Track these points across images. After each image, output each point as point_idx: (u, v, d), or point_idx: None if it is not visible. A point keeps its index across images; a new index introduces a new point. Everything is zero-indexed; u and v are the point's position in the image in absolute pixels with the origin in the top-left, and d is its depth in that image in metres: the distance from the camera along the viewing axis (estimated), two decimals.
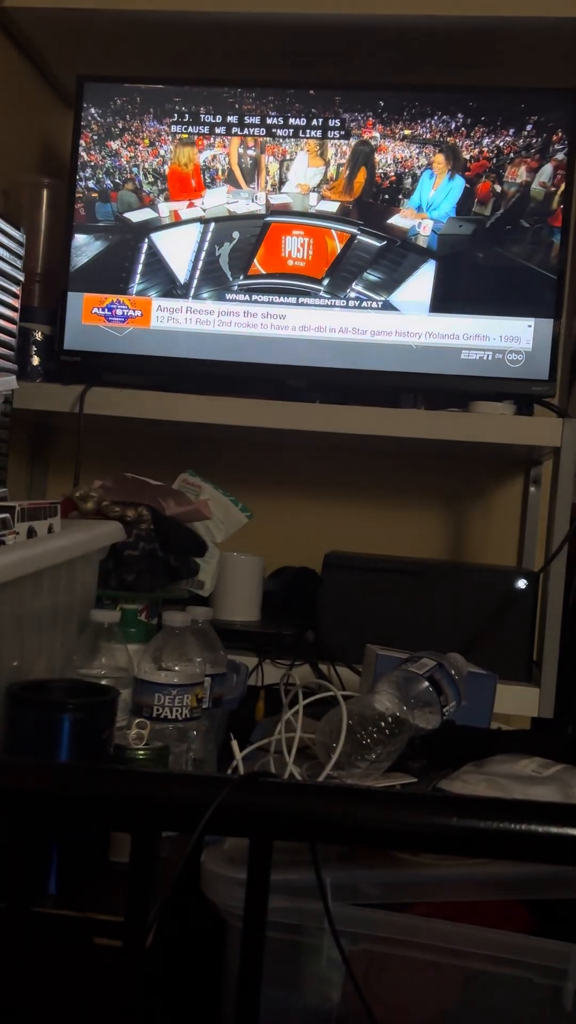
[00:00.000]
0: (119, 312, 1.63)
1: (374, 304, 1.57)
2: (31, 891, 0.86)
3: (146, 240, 1.63)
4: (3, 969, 0.83)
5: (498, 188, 1.55)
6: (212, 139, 1.62)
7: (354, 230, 1.59)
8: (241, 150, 1.61)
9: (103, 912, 0.84)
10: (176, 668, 1.10)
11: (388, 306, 1.57)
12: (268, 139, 1.60)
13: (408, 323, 1.56)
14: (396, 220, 1.58)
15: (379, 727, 0.96)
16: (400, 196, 1.57)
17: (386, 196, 1.58)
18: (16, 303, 1.34)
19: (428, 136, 1.57)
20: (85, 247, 1.64)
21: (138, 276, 1.63)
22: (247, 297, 1.60)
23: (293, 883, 0.76)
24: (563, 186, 1.53)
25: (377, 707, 0.98)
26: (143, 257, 1.63)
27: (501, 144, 1.55)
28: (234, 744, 0.97)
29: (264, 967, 0.64)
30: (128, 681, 1.09)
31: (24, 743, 0.90)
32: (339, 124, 1.59)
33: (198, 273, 1.62)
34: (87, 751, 0.90)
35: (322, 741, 0.96)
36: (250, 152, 1.61)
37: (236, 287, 1.61)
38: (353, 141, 1.58)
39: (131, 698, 1.09)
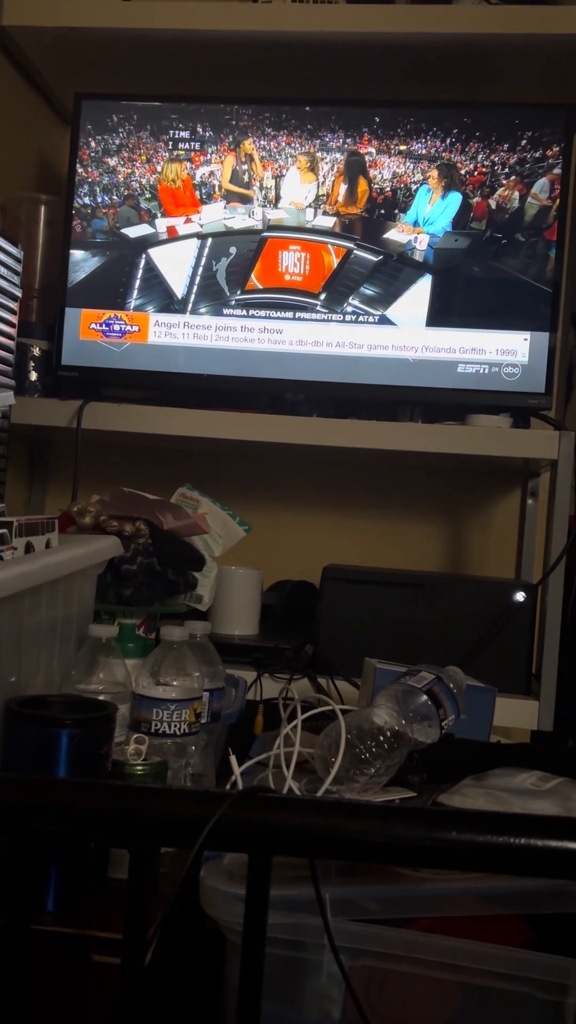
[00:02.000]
0: (117, 327, 1.64)
1: (371, 318, 1.58)
2: (30, 908, 0.86)
3: (143, 256, 1.64)
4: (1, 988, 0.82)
5: (493, 203, 1.56)
6: (209, 155, 1.63)
7: (350, 245, 1.59)
8: (237, 166, 1.62)
9: (102, 929, 0.83)
10: (174, 683, 1.10)
11: (385, 320, 1.58)
12: (265, 155, 1.61)
13: (405, 337, 1.57)
14: (392, 235, 1.58)
15: (378, 741, 0.96)
16: (396, 211, 1.58)
17: (382, 211, 1.59)
18: (14, 319, 1.34)
19: (424, 152, 1.58)
20: (83, 263, 1.65)
21: (136, 291, 1.64)
22: (244, 312, 1.61)
23: (293, 899, 0.76)
24: (558, 200, 1.54)
25: (376, 721, 0.98)
26: (141, 273, 1.64)
27: (496, 159, 1.56)
28: (232, 759, 0.96)
29: (264, 983, 0.63)
30: (126, 696, 1.09)
31: (22, 759, 0.89)
32: (335, 140, 1.60)
33: (195, 288, 1.62)
34: (85, 767, 0.89)
35: (321, 755, 0.96)
36: (247, 168, 1.62)
37: (233, 302, 1.61)
38: (345, 154, 1.59)
39: (129, 713, 1.09)
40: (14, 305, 1.34)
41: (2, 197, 1.72)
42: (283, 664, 1.48)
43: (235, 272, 1.62)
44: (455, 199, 1.57)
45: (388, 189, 1.59)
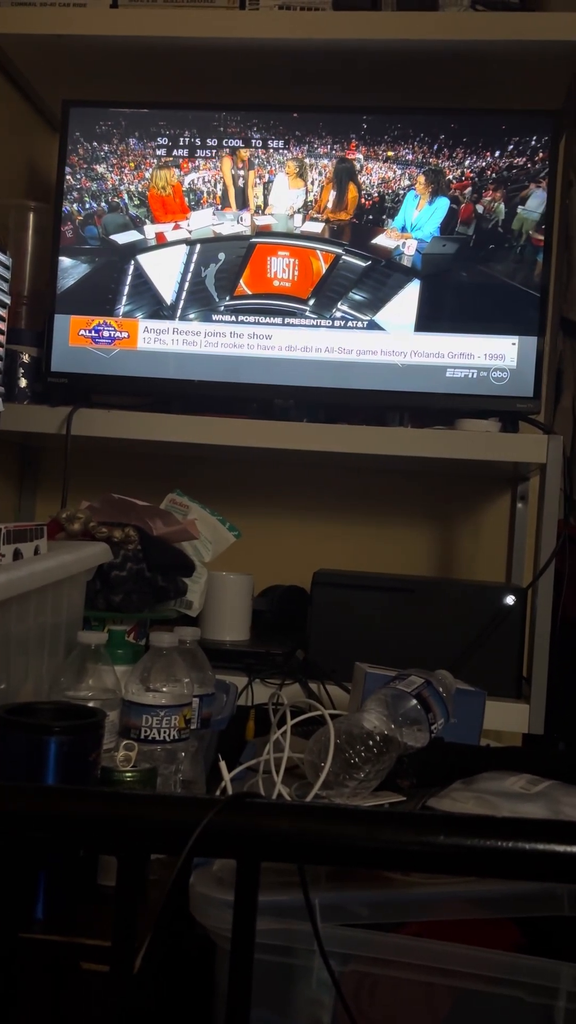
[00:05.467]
0: (106, 334, 1.64)
1: (360, 324, 1.58)
2: (19, 916, 0.85)
3: (132, 262, 1.64)
4: None
5: (480, 208, 1.57)
6: (197, 161, 1.63)
7: (339, 250, 1.60)
8: (225, 172, 1.62)
9: (91, 937, 0.83)
10: (164, 689, 1.09)
11: (374, 325, 1.58)
12: (253, 161, 1.62)
13: (394, 342, 1.57)
14: (381, 240, 1.59)
15: (367, 746, 0.96)
16: (384, 216, 1.59)
17: (370, 216, 1.59)
18: (3, 325, 1.34)
19: (411, 157, 1.58)
20: (71, 269, 1.65)
21: (125, 298, 1.64)
22: (233, 318, 1.61)
23: (282, 904, 0.76)
24: (544, 205, 1.55)
25: (365, 726, 0.98)
26: (129, 279, 1.64)
27: (483, 165, 1.56)
28: (222, 765, 0.96)
29: (253, 989, 0.63)
30: (116, 703, 1.08)
31: (10, 766, 0.89)
32: (323, 146, 1.60)
33: (184, 294, 1.63)
34: (74, 774, 0.89)
35: (310, 761, 0.96)
36: (235, 174, 1.62)
37: (222, 308, 1.61)
38: (334, 160, 1.59)
39: (119, 720, 1.09)
40: (3, 312, 1.34)
41: None
42: (274, 669, 1.48)
43: (224, 278, 1.62)
44: (442, 204, 1.57)
45: (376, 195, 1.59)
